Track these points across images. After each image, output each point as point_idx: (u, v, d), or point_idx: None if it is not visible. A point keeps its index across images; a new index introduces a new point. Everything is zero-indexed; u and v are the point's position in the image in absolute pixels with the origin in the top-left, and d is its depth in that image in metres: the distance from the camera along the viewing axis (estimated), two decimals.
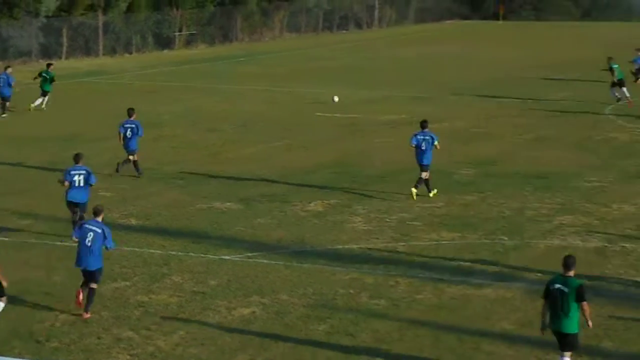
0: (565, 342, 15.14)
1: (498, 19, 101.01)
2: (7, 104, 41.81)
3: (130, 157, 29.58)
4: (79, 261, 18.28)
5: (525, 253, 22.25)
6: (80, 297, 18.14)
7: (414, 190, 26.86)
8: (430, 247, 22.77)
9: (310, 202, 26.96)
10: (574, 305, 14.95)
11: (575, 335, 15.13)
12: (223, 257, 21.87)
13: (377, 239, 23.46)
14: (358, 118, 41.15)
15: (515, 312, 18.54)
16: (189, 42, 77.19)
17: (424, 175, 27.07)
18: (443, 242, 23.16)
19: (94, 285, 18.22)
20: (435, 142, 27.04)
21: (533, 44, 76.71)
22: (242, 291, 19.68)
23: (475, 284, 20.15)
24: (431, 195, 27.04)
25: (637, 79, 48.85)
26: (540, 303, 15.67)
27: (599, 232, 23.74)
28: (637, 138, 35.76)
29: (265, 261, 21.51)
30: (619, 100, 43.10)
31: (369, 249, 22.68)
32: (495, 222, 24.76)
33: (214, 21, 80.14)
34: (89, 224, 18.45)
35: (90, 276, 18.24)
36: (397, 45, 76.95)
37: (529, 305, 18.80)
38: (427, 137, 27.00)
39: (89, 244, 18.10)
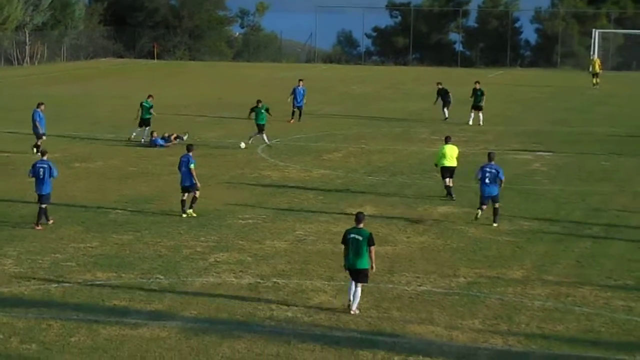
0: (361, 275, 20.76)
1: (153, 58, 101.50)
2: None
3: None
4: None
5: (181, 291, 22.36)
6: None
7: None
8: (85, 288, 22.41)
9: None
10: (365, 249, 20.64)
11: (367, 270, 20.85)
12: None
13: (29, 281, 22.81)
14: (10, 157, 39.96)
15: (170, 351, 18.57)
16: None
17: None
18: (97, 282, 22.86)
19: None
20: None
21: (187, 82, 77.56)
22: None
23: (131, 323, 20.03)
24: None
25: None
26: None
27: (252, 269, 24.28)
28: (288, 176, 36.92)
29: None
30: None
31: (20, 292, 22.01)
32: (152, 261, 24.75)
33: None
34: None
35: None
36: (50, 83, 75.40)
37: (183, 343, 18.92)
38: None
39: None
